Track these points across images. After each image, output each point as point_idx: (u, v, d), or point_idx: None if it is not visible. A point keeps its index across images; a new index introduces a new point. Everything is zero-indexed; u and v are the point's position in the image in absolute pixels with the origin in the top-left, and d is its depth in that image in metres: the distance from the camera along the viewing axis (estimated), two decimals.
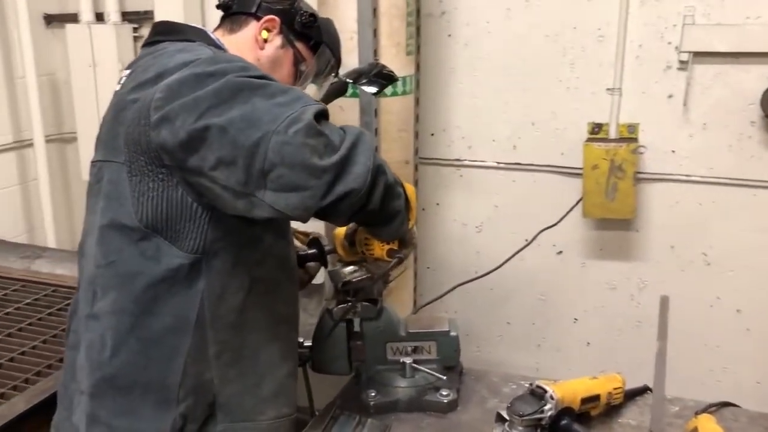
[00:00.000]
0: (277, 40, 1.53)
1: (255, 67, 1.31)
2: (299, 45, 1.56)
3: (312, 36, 1.57)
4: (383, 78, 1.76)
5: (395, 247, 1.54)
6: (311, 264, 1.73)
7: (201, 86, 1.21)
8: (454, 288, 2.48)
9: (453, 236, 2.91)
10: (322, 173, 1.15)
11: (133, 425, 1.35)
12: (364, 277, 1.61)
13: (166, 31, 1.48)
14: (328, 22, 1.63)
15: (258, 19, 1.52)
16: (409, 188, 1.44)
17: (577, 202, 2.60)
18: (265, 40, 1.52)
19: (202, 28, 1.52)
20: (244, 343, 1.41)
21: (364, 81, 1.74)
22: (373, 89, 1.77)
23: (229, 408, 1.40)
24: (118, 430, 1.36)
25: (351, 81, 1.73)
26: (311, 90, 1.69)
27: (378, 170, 1.24)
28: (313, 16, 1.55)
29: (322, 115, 1.20)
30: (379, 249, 1.54)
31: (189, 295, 1.33)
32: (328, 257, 1.68)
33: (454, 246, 2.92)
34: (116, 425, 1.35)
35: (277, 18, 1.52)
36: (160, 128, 1.22)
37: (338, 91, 1.74)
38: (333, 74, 1.67)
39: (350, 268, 1.61)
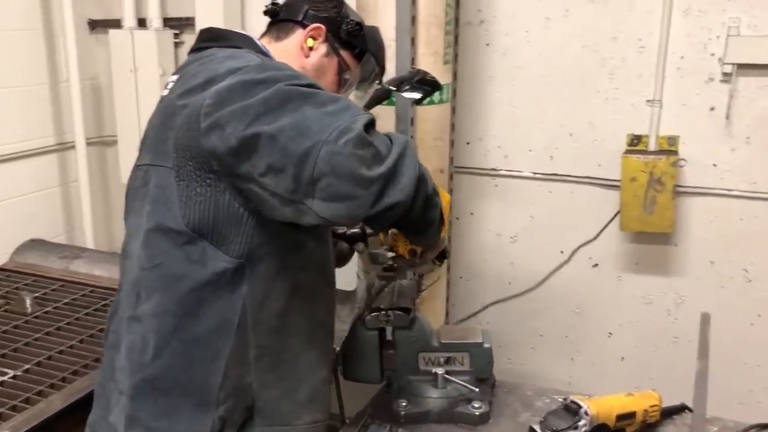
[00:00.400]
0: (322, 48, 1.54)
1: (303, 75, 1.31)
2: (344, 53, 1.57)
3: (357, 44, 1.58)
4: (427, 84, 1.76)
5: (417, 249, 1.54)
6: (359, 244, 1.74)
7: (250, 94, 1.21)
8: (488, 306, 2.49)
9: (487, 246, 2.89)
10: (370, 184, 1.15)
11: (172, 427, 1.36)
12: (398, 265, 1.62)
13: (213, 38, 1.50)
14: (374, 31, 1.64)
15: (304, 27, 1.53)
16: (445, 197, 1.43)
17: (614, 217, 2.57)
18: (311, 48, 1.53)
19: (249, 34, 1.53)
20: (285, 348, 1.42)
21: (407, 88, 1.74)
22: (417, 95, 1.76)
23: (266, 412, 1.41)
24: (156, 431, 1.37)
25: (394, 89, 1.72)
26: (353, 97, 1.70)
27: (421, 180, 1.24)
28: (359, 24, 1.56)
29: (371, 125, 1.20)
30: (403, 247, 1.55)
31: (232, 299, 1.34)
32: (370, 240, 1.70)
33: (487, 256, 2.90)
34: (155, 427, 1.36)
35: (323, 26, 1.53)
36: (210, 134, 1.23)
37: (380, 98, 1.74)
38: (377, 82, 1.68)
39: (392, 252, 1.62)
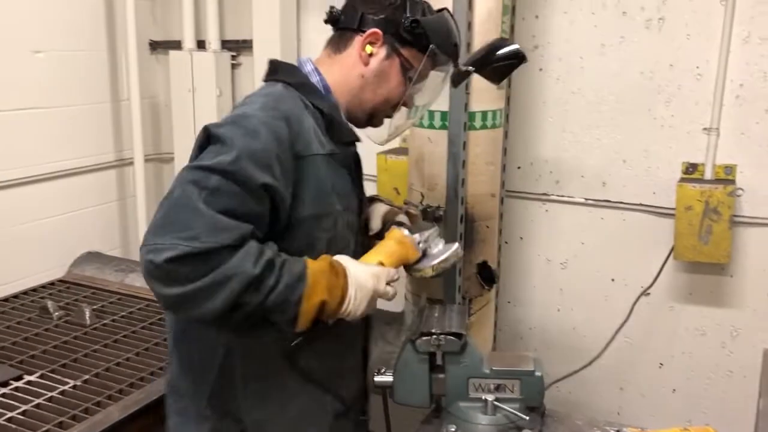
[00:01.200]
0: (382, 52, 1.53)
1: (259, 146, 1.33)
2: (406, 51, 1.54)
3: (418, 40, 1.53)
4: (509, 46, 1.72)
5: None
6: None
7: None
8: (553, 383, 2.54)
9: (536, 271, 2.87)
10: (163, 298, 1.27)
11: (184, 425, 1.56)
12: None
13: (270, 71, 1.57)
14: (437, 20, 1.57)
15: (362, 33, 1.53)
16: (312, 298, 1.36)
17: (669, 255, 2.53)
18: (370, 55, 1.53)
19: (299, 63, 1.57)
20: (272, 374, 1.51)
21: (505, 48, 1.69)
22: (515, 46, 1.71)
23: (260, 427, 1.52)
24: (174, 426, 1.59)
25: (473, 69, 1.68)
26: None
27: (241, 305, 1.28)
28: (415, 21, 1.51)
29: (200, 254, 1.22)
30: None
31: (219, 332, 1.46)
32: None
33: (536, 282, 2.88)
34: (175, 421, 1.58)
35: (379, 30, 1.52)
36: None
37: (462, 77, 1.70)
38: (452, 65, 1.63)
39: None
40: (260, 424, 1.52)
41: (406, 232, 1.61)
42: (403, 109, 1.66)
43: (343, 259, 1.45)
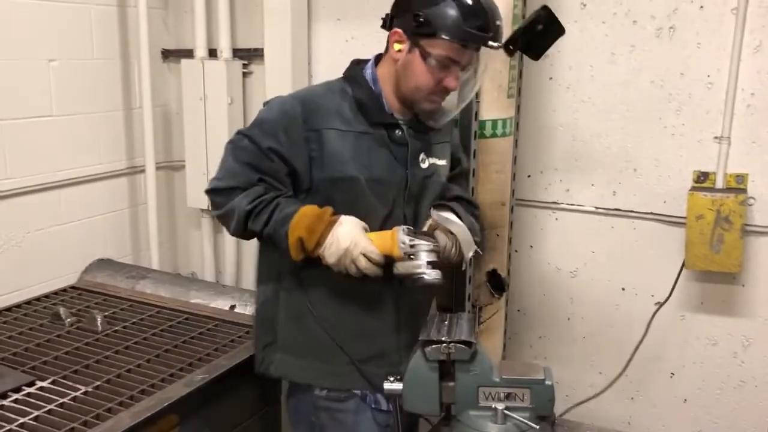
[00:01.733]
0: (405, 48, 1.78)
1: (268, 120, 1.81)
2: (424, 42, 1.73)
3: (428, 31, 1.71)
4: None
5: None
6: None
7: None
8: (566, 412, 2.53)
9: (546, 280, 2.87)
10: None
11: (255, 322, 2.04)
12: None
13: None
14: (440, 9, 1.69)
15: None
16: (294, 234, 1.72)
17: (681, 268, 2.53)
18: (399, 51, 1.79)
19: (366, 60, 1.90)
20: (305, 308, 1.86)
21: (540, 27, 1.79)
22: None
23: (285, 343, 1.91)
24: None
25: (511, 47, 1.77)
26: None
27: (251, 233, 1.80)
28: (416, 15, 1.70)
29: (220, 190, 1.80)
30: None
31: (275, 254, 1.83)
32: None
33: (546, 290, 2.88)
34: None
35: (399, 29, 1.77)
36: None
37: (539, 48, 1.84)
38: (490, 46, 1.73)
39: None
40: (288, 343, 1.90)
41: (400, 232, 1.77)
42: (453, 93, 1.86)
43: (346, 218, 1.75)
